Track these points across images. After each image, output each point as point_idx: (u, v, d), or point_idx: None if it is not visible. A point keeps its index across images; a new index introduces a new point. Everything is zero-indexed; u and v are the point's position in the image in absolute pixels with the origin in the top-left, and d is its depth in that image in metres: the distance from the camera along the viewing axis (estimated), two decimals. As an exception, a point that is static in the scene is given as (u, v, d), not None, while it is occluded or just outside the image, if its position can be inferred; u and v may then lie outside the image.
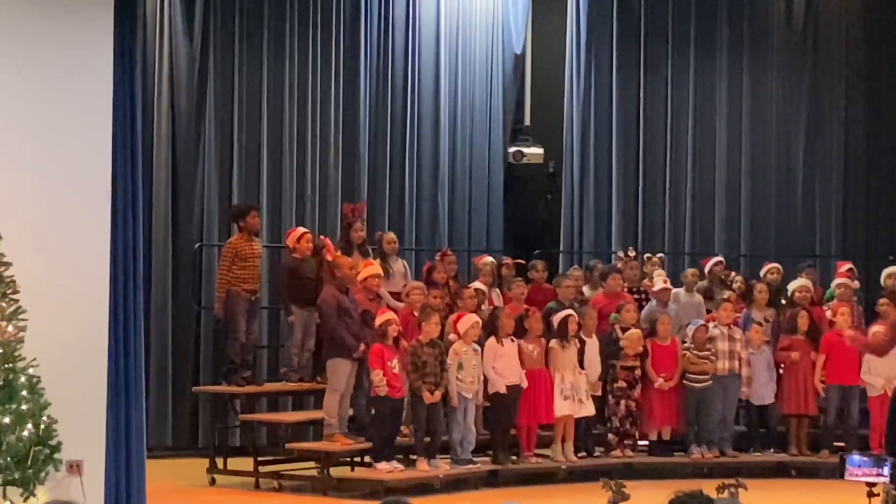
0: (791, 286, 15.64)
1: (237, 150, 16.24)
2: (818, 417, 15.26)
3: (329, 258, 14.24)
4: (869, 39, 18.81)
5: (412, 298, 14.28)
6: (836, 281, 15.71)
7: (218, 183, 16.08)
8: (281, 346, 15.24)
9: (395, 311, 13.97)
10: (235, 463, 14.14)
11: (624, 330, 14.79)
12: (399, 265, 15.26)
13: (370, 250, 14.98)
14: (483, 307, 14.49)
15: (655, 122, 18.53)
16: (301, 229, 14.71)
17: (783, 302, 15.71)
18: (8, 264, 10.49)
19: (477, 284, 14.76)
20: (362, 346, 13.54)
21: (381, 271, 14.38)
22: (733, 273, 16.49)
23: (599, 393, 14.66)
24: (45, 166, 11.32)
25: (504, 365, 13.92)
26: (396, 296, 14.71)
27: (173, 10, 15.87)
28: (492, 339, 13.93)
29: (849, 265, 16.17)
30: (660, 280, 15.58)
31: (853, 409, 14.98)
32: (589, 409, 14.46)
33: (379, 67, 17.18)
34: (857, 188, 18.77)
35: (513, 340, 14.03)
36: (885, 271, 15.65)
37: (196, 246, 15.68)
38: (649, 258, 16.54)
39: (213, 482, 13.94)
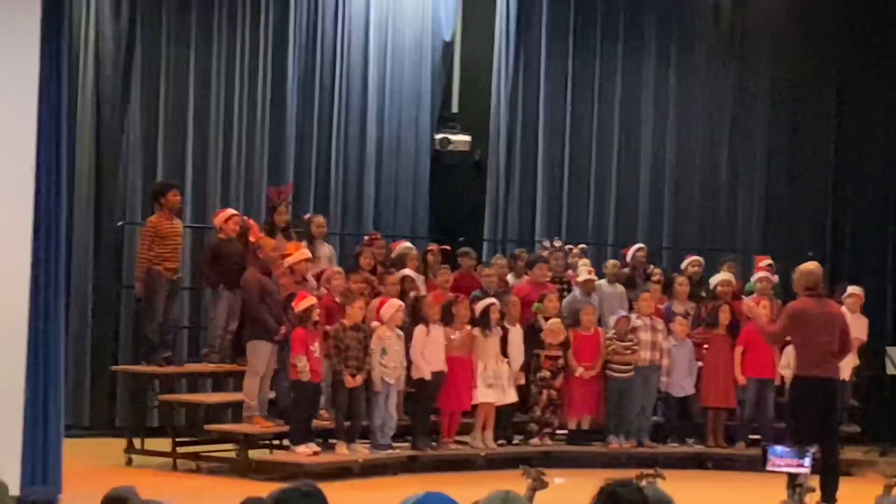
0: (713, 280, 15.79)
1: (162, 130, 16.15)
2: (735, 410, 15.40)
3: (253, 240, 14.17)
4: (795, 38, 18.98)
5: (332, 284, 14.25)
6: (757, 275, 15.85)
7: (142, 162, 16.00)
8: (203, 326, 15.16)
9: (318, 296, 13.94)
10: (153, 443, 14.06)
11: (547, 319, 14.84)
12: (325, 249, 15.23)
13: (294, 233, 14.92)
14: (411, 294, 14.44)
15: (582, 112, 18.58)
16: (230, 210, 14.64)
17: (703, 295, 15.84)
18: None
19: (406, 271, 14.74)
20: (283, 329, 13.51)
21: (310, 255, 14.33)
22: (652, 266, 16.58)
23: (523, 382, 14.71)
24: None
25: (431, 351, 13.94)
26: (323, 279, 14.68)
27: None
28: (420, 326, 13.94)
29: (768, 260, 16.32)
30: (584, 270, 15.65)
31: (769, 401, 15.14)
32: (511, 397, 14.52)
33: (307, 50, 17.11)
34: (780, 184, 18.95)
35: (440, 327, 14.05)
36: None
37: (118, 224, 15.56)
38: (571, 248, 16.60)
39: (130, 462, 13.86)
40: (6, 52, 10.97)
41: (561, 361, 14.86)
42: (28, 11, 11.13)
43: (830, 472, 11.90)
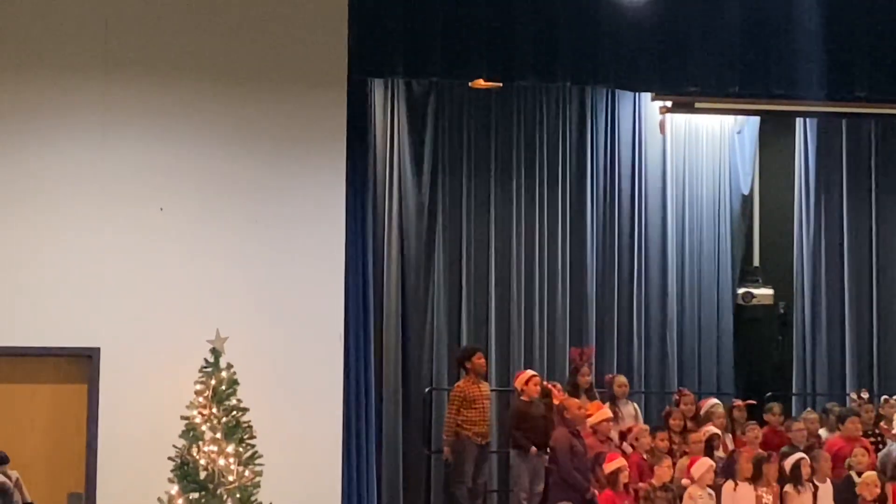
0: None
1: (465, 295, 16.45)
2: None
3: (556, 402, 14.25)
4: None
5: (639, 442, 14.18)
6: None
7: (447, 328, 16.30)
8: (510, 490, 15.21)
9: (625, 456, 13.88)
10: None
11: (860, 474, 14.41)
12: (630, 408, 15.18)
13: (597, 394, 14.95)
14: (717, 451, 14.25)
15: (889, 261, 18.12)
16: (529, 372, 14.74)
17: None
18: (245, 409, 10.79)
19: (712, 428, 14.55)
20: (593, 489, 13.46)
21: (611, 415, 14.33)
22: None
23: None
24: (280, 314, 11.65)
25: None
26: (629, 438, 14.62)
27: (402, 160, 16.28)
28: (729, 483, 13.71)
29: None
30: (897, 422, 15.21)
31: None
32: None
33: (605, 210, 17.24)
34: None
35: (749, 484, 13.79)
36: None
37: (426, 390, 15.84)
38: (886, 400, 16.12)
39: None
40: (315, 227, 11.43)
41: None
42: (334, 185, 11.59)
43: None
